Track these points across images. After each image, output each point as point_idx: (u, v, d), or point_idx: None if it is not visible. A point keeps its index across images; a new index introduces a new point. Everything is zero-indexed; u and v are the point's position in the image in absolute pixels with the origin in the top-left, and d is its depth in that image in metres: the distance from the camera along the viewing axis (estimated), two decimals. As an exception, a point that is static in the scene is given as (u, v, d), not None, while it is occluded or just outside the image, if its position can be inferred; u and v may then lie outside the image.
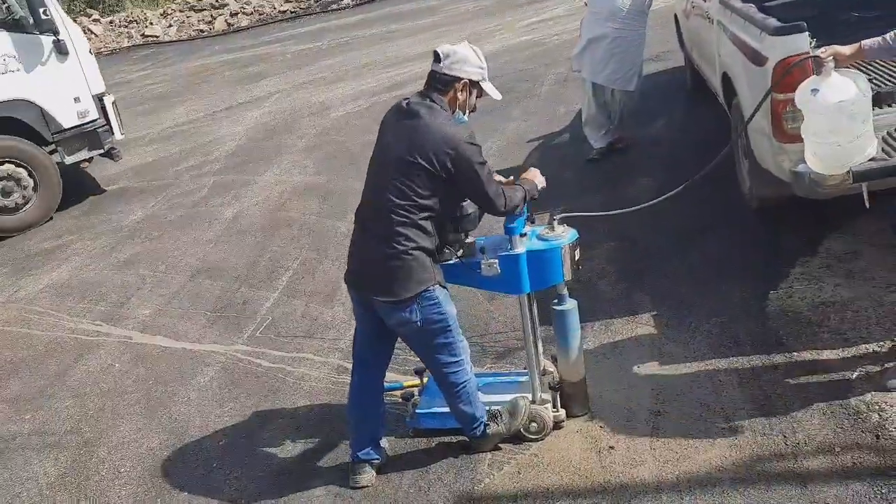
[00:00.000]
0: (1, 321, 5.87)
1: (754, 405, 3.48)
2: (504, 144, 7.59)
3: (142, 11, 21.59)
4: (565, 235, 3.44)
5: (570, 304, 3.53)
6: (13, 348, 5.42)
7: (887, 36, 3.28)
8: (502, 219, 3.42)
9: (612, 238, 5.22)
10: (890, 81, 4.38)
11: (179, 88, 13.59)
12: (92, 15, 21.73)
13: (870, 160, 3.39)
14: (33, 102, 7.66)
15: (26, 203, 7.74)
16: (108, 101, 8.15)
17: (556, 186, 6.00)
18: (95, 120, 8.01)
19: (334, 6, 19.62)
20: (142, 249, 6.77)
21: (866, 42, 3.32)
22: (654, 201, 3.80)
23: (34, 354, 5.27)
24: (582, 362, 3.63)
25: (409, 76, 10.75)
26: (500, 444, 3.54)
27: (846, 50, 3.31)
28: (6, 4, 8.05)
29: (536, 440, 3.53)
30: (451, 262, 3.42)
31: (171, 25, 20.52)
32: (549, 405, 3.57)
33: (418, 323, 3.23)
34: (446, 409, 3.52)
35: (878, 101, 4.00)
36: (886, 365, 3.49)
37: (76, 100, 7.87)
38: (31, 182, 7.72)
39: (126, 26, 20.91)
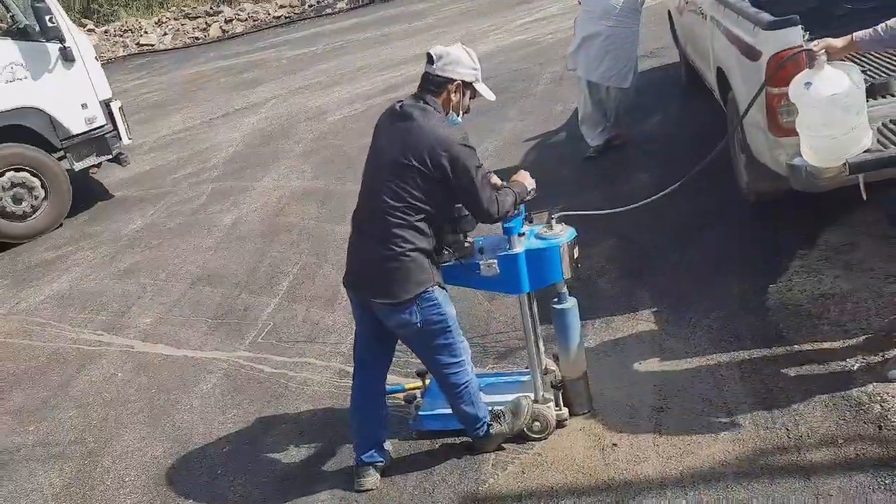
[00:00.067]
0: (3, 333, 5.88)
1: (756, 399, 3.48)
2: (501, 145, 7.59)
3: (136, 20, 21.58)
4: (564, 234, 3.45)
5: (570, 303, 3.53)
6: (15, 360, 5.42)
7: (878, 28, 3.29)
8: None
9: (610, 236, 5.22)
10: (884, 73, 4.39)
11: (175, 96, 13.59)
12: (87, 25, 21.70)
13: (865, 152, 3.40)
14: (41, 110, 7.69)
15: (35, 211, 7.77)
16: (114, 106, 8.19)
17: (554, 185, 6.03)
18: (103, 126, 8.05)
19: (328, 10, 19.63)
20: (142, 258, 6.77)
21: (858, 34, 3.32)
22: (652, 199, 3.80)
23: (36, 366, 5.28)
24: (583, 360, 3.64)
25: (405, 78, 10.75)
26: (503, 444, 3.54)
27: (838, 43, 3.31)
28: (10, 13, 8.08)
29: (539, 439, 3.53)
30: (449, 263, 3.42)
31: (165, 33, 20.51)
32: (552, 404, 3.58)
33: (418, 324, 3.23)
34: (449, 411, 3.53)
35: (873, 92, 4.01)
36: (887, 355, 3.49)
37: (84, 106, 7.90)
38: (41, 190, 7.75)
39: (121, 35, 20.90)
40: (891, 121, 3.96)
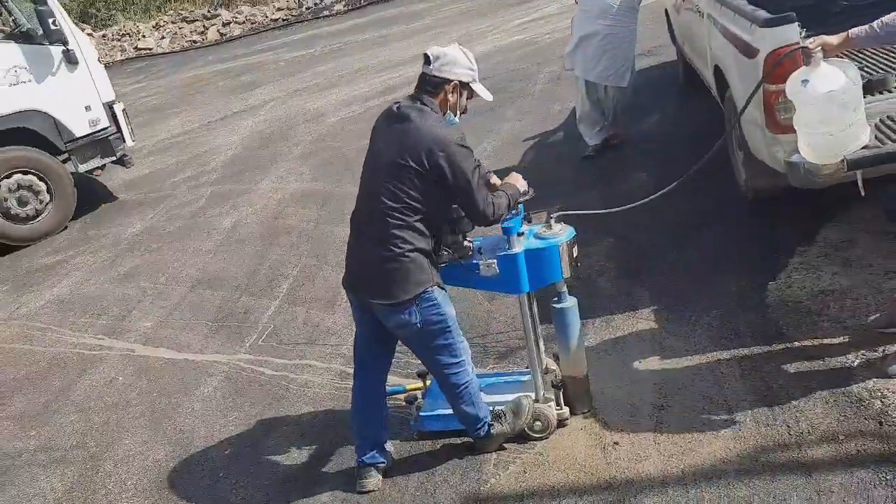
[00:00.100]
0: (3, 338, 5.88)
1: (756, 396, 3.48)
2: (499, 145, 7.60)
3: (134, 24, 21.57)
4: (563, 233, 3.45)
5: (570, 302, 3.53)
6: (16, 365, 5.42)
7: (874, 24, 3.29)
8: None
9: (609, 235, 5.22)
10: (881, 69, 4.40)
11: (174, 100, 13.60)
12: (84, 29, 21.67)
13: (863, 148, 3.41)
14: (46, 112, 7.71)
15: (39, 213, 7.78)
16: (118, 108, 8.22)
17: (553, 184, 6.04)
18: (107, 128, 8.08)
19: (326, 12, 19.63)
20: (142, 262, 6.78)
21: (854, 31, 3.33)
22: (651, 198, 3.80)
23: (37, 370, 5.28)
24: (584, 359, 3.64)
25: (403, 80, 10.75)
26: (504, 444, 3.55)
27: (834, 40, 3.32)
28: (13, 17, 8.09)
29: (541, 439, 3.54)
30: (449, 263, 3.42)
31: (163, 37, 20.51)
32: (553, 403, 3.58)
33: (418, 325, 3.24)
34: (450, 411, 3.53)
35: (870, 88, 4.02)
36: (887, 351, 3.50)
37: (87, 108, 7.93)
38: (46, 193, 7.76)
39: (119, 39, 20.90)
40: (888, 117, 3.97)
